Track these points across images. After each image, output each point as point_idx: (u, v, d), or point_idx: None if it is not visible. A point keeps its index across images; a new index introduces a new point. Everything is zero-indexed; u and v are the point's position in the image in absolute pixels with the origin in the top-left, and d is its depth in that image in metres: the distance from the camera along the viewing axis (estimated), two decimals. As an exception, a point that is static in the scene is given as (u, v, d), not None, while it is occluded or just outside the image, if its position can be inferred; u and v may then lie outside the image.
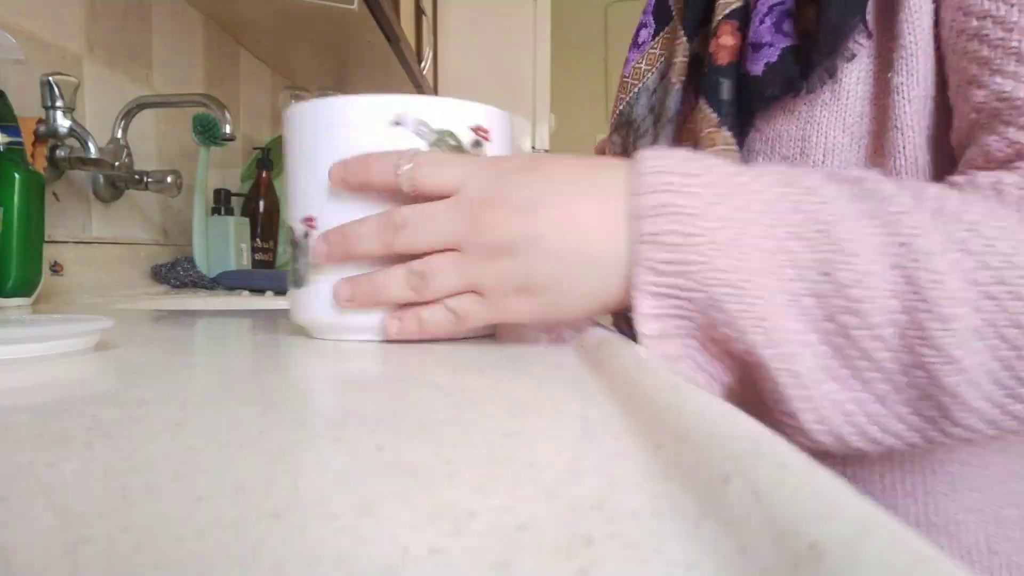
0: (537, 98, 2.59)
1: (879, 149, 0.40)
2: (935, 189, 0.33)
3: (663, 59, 0.51)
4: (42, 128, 0.88)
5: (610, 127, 0.57)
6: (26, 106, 0.85)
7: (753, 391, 0.34)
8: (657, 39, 0.52)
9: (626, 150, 0.55)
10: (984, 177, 0.35)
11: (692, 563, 0.14)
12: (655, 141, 0.51)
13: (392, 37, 1.53)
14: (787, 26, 0.42)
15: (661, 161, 0.33)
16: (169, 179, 1.08)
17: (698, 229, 0.31)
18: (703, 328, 0.32)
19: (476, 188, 0.36)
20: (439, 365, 0.39)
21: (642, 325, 0.33)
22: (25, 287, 0.74)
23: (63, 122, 0.90)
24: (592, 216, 0.34)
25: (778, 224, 0.31)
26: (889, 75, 0.39)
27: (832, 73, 0.40)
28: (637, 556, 0.14)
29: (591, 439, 0.22)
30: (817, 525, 0.13)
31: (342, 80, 1.88)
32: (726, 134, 0.45)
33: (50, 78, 0.88)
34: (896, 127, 0.39)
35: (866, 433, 0.32)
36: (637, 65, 0.52)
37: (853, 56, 0.40)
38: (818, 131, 0.41)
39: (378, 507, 0.16)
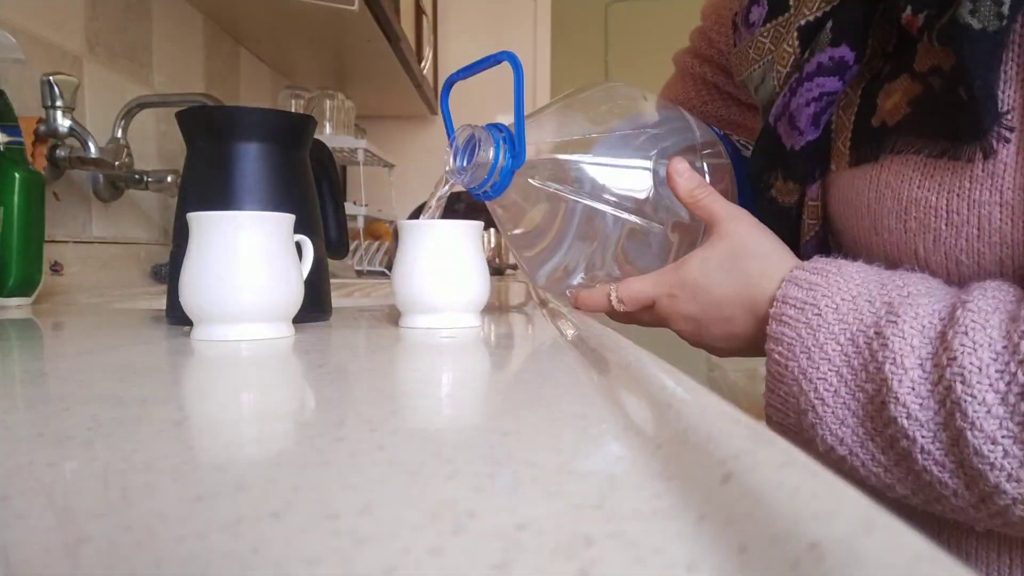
0: (537, 98, 2.59)
1: None
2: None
3: (769, 55, 0.50)
4: (42, 128, 0.88)
5: (734, 70, 0.56)
6: (26, 106, 0.85)
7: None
8: (768, 27, 0.49)
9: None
10: None
11: (692, 563, 0.14)
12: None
13: (392, 37, 1.53)
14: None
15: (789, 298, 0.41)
16: (169, 179, 1.08)
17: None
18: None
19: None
20: (439, 366, 0.39)
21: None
22: (25, 287, 0.74)
23: (63, 122, 0.90)
24: (745, 321, 0.45)
25: (850, 342, 0.38)
26: None
27: (987, 153, 0.36)
28: (637, 556, 0.14)
29: (591, 439, 0.22)
30: (817, 525, 0.13)
31: (342, 80, 1.89)
32: (792, 186, 0.48)
33: (50, 78, 0.88)
34: None
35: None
36: (747, 50, 0.52)
37: (1007, 137, 0.36)
38: (967, 204, 0.37)
39: (378, 507, 0.16)
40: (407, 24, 1.78)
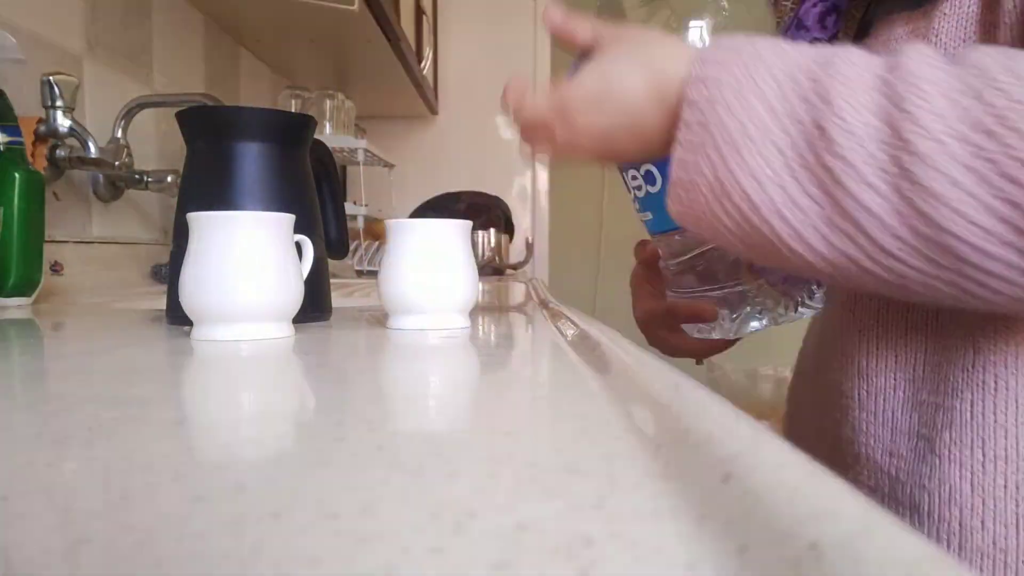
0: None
1: None
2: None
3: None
4: (42, 128, 0.88)
5: None
6: (26, 106, 0.85)
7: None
8: None
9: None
10: None
11: (692, 563, 0.14)
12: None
13: (392, 37, 1.53)
14: None
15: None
16: (169, 179, 1.08)
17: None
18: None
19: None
20: (439, 366, 0.39)
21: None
22: (25, 287, 0.74)
23: (63, 122, 0.90)
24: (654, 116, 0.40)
25: (788, 87, 0.35)
26: None
27: None
28: (637, 556, 0.14)
29: (591, 439, 0.22)
30: (817, 525, 0.13)
31: (342, 80, 1.89)
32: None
33: (50, 78, 0.88)
34: (1004, 23, 0.38)
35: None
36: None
37: None
38: (937, 42, 0.41)
39: (378, 507, 0.16)
40: (407, 24, 1.78)
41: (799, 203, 0.34)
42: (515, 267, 2.05)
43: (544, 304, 0.74)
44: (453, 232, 0.52)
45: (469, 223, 0.53)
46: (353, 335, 0.51)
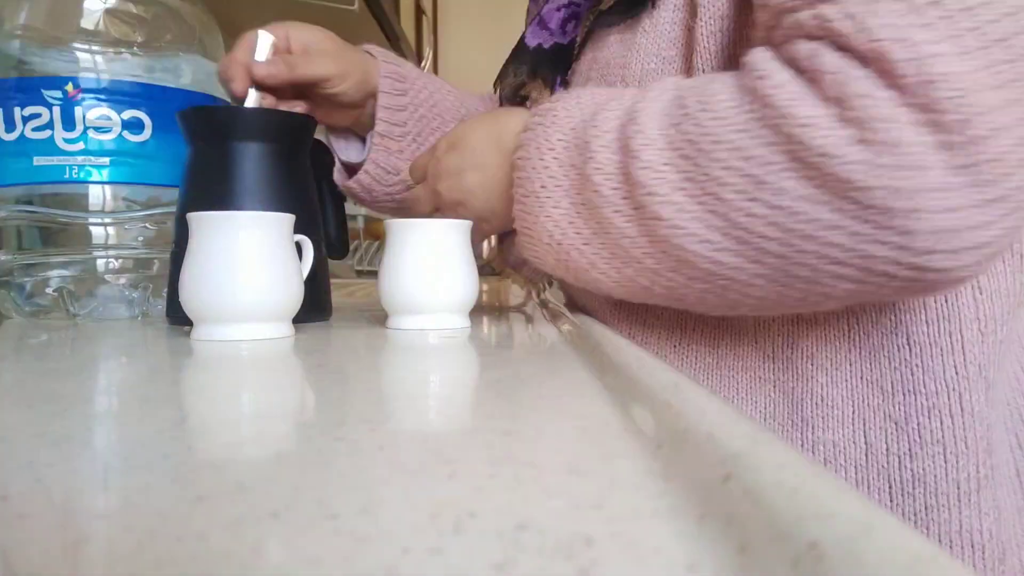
0: (537, 98, 2.59)
1: (687, 72, 0.46)
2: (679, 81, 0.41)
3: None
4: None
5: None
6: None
7: None
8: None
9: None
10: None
11: (692, 563, 0.14)
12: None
13: (392, 37, 1.53)
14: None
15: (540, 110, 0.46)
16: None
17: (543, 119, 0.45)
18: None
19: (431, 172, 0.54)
20: (439, 366, 0.39)
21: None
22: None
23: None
24: (494, 158, 0.49)
25: (568, 141, 0.42)
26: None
27: (655, 4, 0.47)
28: (637, 556, 0.14)
29: (591, 439, 0.22)
30: (817, 525, 0.13)
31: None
32: (543, 87, 0.57)
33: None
34: (696, 49, 0.44)
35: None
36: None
37: None
38: (637, 57, 0.48)
39: (378, 507, 0.16)
40: (407, 24, 1.78)
41: (584, 235, 0.42)
42: (515, 267, 2.04)
43: (544, 304, 0.74)
44: (453, 232, 0.52)
45: (469, 223, 0.53)
46: (353, 335, 0.51)
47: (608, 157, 0.39)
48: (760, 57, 0.35)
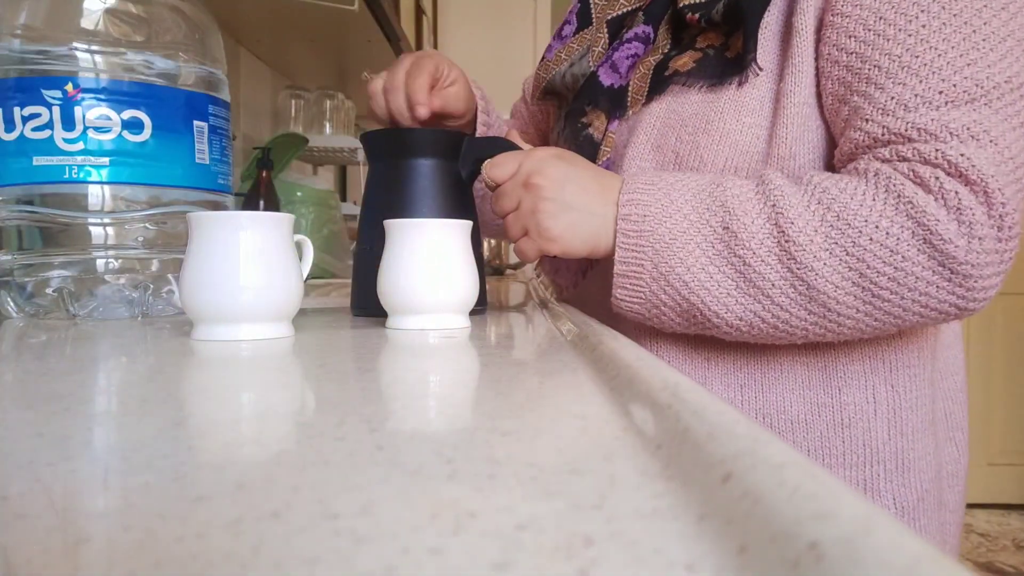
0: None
1: (769, 141, 0.55)
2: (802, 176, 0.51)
3: (578, 52, 0.69)
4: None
5: (531, 94, 0.77)
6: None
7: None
8: (577, 36, 0.70)
9: (548, 112, 0.81)
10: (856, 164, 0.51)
11: (692, 563, 0.14)
12: (571, 105, 0.70)
13: (392, 37, 1.53)
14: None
15: (633, 179, 0.54)
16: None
17: (649, 211, 0.52)
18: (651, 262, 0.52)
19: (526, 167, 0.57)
20: (438, 365, 0.39)
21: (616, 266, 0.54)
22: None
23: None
24: (597, 195, 0.55)
25: (697, 204, 0.51)
26: (780, 85, 0.55)
27: (742, 82, 0.56)
28: (637, 556, 0.14)
29: (591, 439, 0.22)
30: (817, 525, 0.13)
31: (342, 80, 1.89)
32: (603, 119, 0.65)
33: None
34: (783, 122, 0.54)
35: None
36: (559, 53, 0.70)
37: (756, 75, 0.56)
38: (720, 119, 0.56)
39: (378, 507, 0.16)
40: (407, 24, 1.78)
41: (717, 279, 0.50)
42: (515, 267, 2.05)
43: (544, 304, 0.74)
44: (453, 232, 0.52)
45: (469, 223, 0.53)
46: (353, 335, 0.51)
47: (754, 220, 0.49)
48: (899, 181, 0.47)
